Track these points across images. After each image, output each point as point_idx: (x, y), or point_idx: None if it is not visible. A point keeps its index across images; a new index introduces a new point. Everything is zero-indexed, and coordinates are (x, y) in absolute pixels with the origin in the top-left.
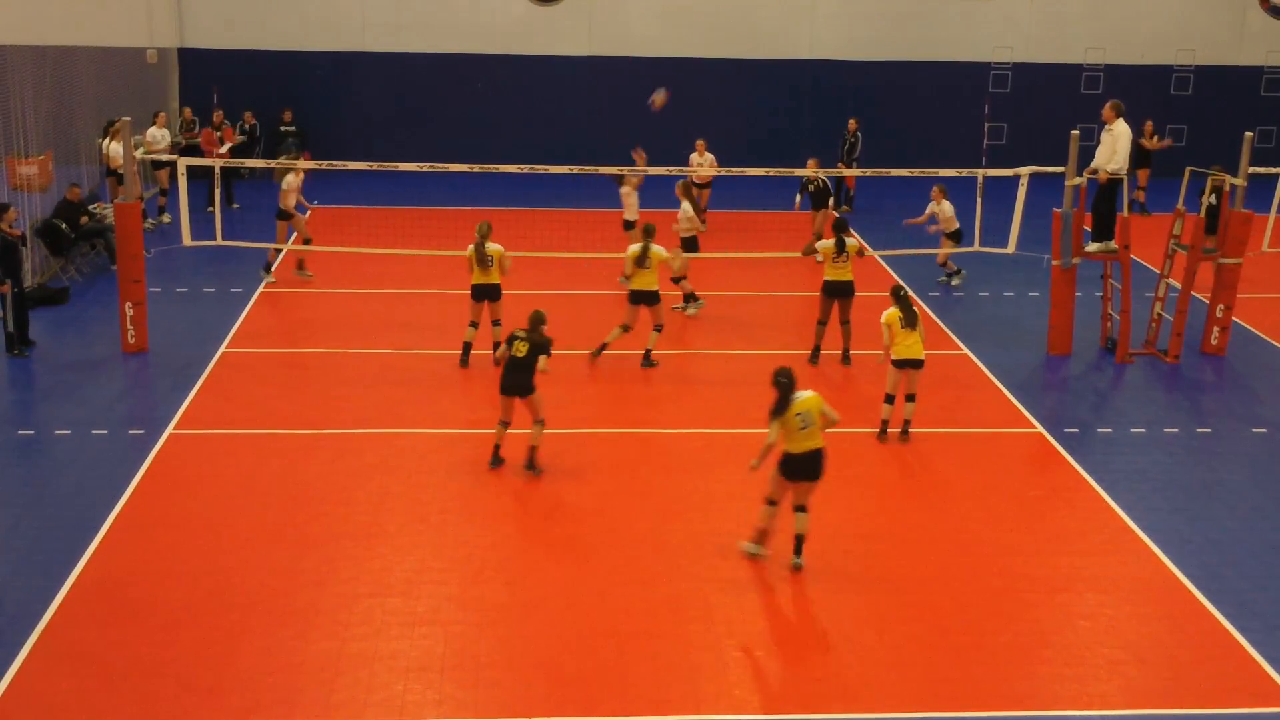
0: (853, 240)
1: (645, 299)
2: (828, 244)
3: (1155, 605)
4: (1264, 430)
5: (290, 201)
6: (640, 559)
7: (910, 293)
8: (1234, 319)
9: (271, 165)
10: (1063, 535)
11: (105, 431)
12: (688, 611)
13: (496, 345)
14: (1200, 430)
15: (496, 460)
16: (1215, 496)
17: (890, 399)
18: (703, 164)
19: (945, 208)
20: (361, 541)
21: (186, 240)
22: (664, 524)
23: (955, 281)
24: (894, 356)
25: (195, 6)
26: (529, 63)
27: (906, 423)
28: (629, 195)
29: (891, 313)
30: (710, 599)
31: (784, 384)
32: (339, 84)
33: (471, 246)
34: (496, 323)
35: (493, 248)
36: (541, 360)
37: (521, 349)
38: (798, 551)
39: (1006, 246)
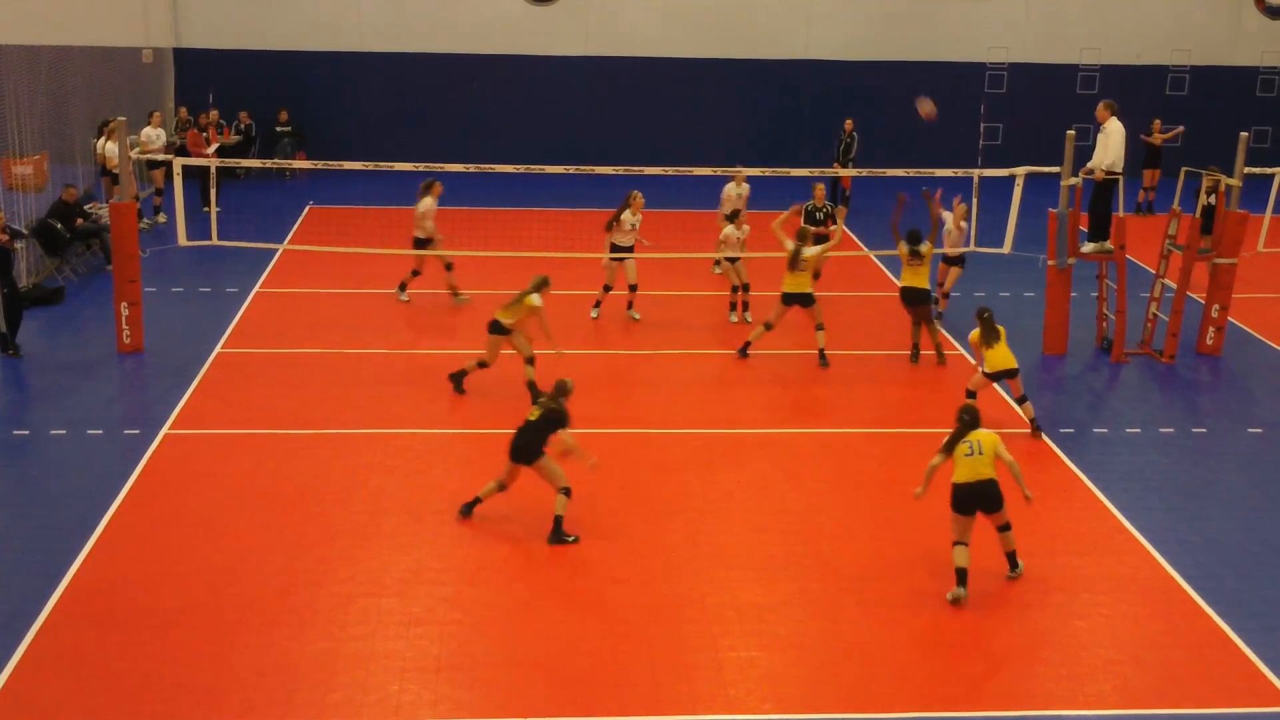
0: (925, 245)
1: (799, 300)
2: (904, 246)
3: (1151, 605)
4: (1259, 430)
5: (428, 227)
6: (636, 559)
7: (991, 314)
8: (1229, 319)
9: (268, 165)
10: (1058, 535)
11: (100, 432)
12: (684, 612)
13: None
14: (1196, 430)
15: (468, 509)
16: (1211, 496)
17: (972, 394)
18: (741, 194)
19: (961, 225)
20: (358, 542)
21: (182, 240)
22: (661, 524)
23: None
24: (986, 370)
25: (191, 6)
26: (526, 63)
27: (1034, 420)
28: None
29: (975, 332)
30: (706, 599)
31: (965, 420)
32: (335, 84)
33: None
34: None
35: (531, 299)
36: (565, 435)
37: (534, 413)
38: (1013, 565)
39: (1002, 247)
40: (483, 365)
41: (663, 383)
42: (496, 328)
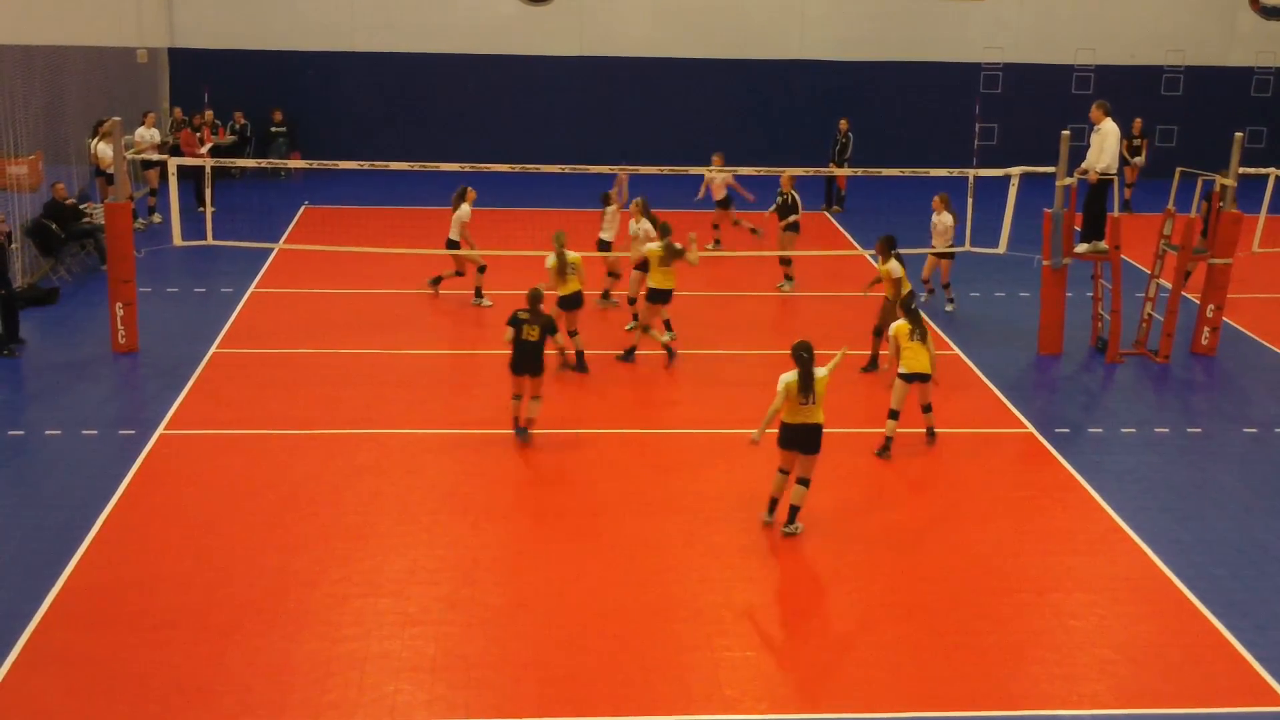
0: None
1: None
2: (895, 266)
3: (1145, 605)
4: (1254, 430)
5: (460, 232)
6: (631, 559)
7: (919, 306)
8: (1224, 319)
9: (263, 165)
10: (1053, 535)
11: (95, 432)
12: (678, 611)
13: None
14: (1191, 430)
15: (522, 433)
16: (1205, 496)
17: (895, 414)
18: (715, 179)
19: (944, 219)
20: (352, 542)
21: (177, 240)
22: (654, 524)
23: (949, 308)
24: (901, 369)
25: (185, 6)
26: (520, 63)
27: (931, 429)
28: (613, 215)
29: (900, 325)
30: (701, 599)
31: (805, 358)
32: (330, 84)
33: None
34: (573, 333)
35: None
36: (560, 336)
37: (533, 334)
38: (791, 519)
39: (997, 247)
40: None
41: (656, 383)
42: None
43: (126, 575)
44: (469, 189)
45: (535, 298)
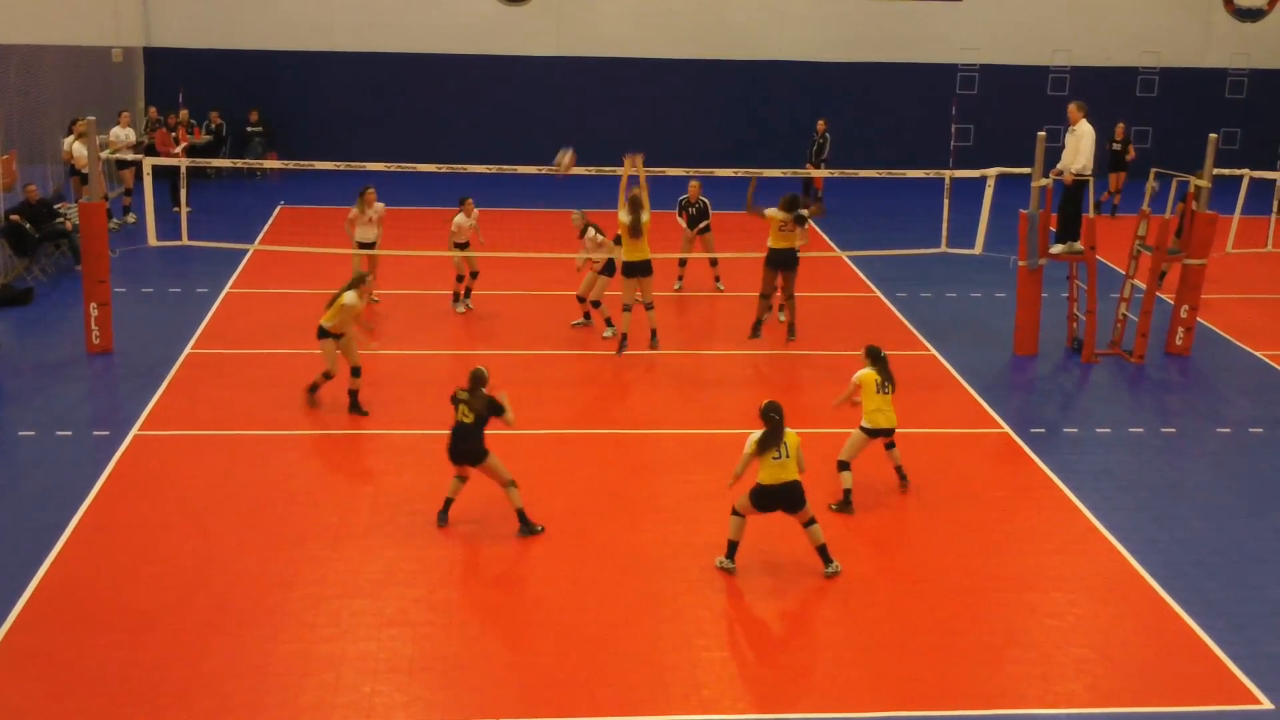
0: (804, 211)
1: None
2: (777, 213)
3: (1121, 604)
4: (1228, 430)
5: (463, 238)
6: (611, 559)
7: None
8: (1198, 319)
9: (239, 165)
10: (1029, 535)
11: (70, 433)
12: (659, 611)
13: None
14: (1165, 430)
15: (444, 518)
16: (1180, 496)
17: (846, 465)
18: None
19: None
20: (329, 543)
21: (152, 240)
22: (635, 524)
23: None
24: (865, 424)
25: (162, 5)
26: (498, 63)
27: (900, 468)
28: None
29: (867, 374)
30: (681, 599)
31: (775, 420)
32: (307, 84)
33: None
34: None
35: (345, 298)
36: (509, 415)
37: (468, 416)
38: (827, 561)
39: (973, 248)
40: (327, 376)
41: (638, 384)
42: (321, 333)
43: (101, 576)
44: (467, 200)
45: (477, 378)
